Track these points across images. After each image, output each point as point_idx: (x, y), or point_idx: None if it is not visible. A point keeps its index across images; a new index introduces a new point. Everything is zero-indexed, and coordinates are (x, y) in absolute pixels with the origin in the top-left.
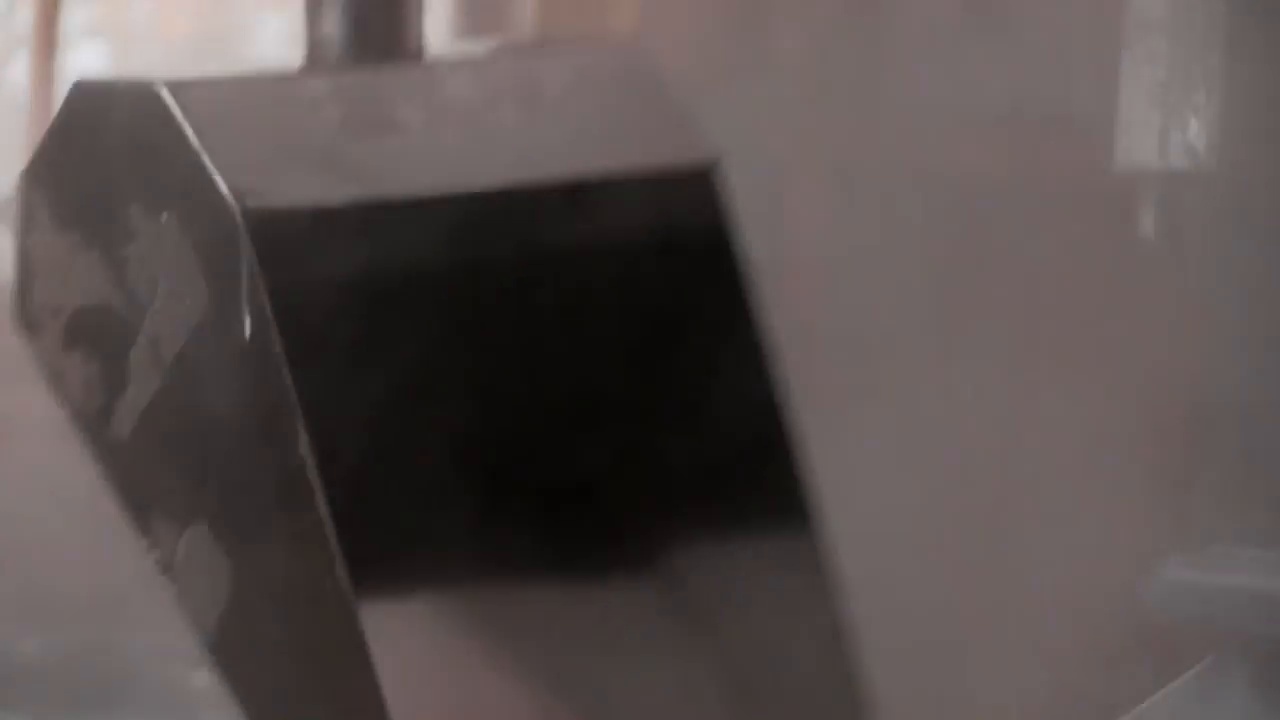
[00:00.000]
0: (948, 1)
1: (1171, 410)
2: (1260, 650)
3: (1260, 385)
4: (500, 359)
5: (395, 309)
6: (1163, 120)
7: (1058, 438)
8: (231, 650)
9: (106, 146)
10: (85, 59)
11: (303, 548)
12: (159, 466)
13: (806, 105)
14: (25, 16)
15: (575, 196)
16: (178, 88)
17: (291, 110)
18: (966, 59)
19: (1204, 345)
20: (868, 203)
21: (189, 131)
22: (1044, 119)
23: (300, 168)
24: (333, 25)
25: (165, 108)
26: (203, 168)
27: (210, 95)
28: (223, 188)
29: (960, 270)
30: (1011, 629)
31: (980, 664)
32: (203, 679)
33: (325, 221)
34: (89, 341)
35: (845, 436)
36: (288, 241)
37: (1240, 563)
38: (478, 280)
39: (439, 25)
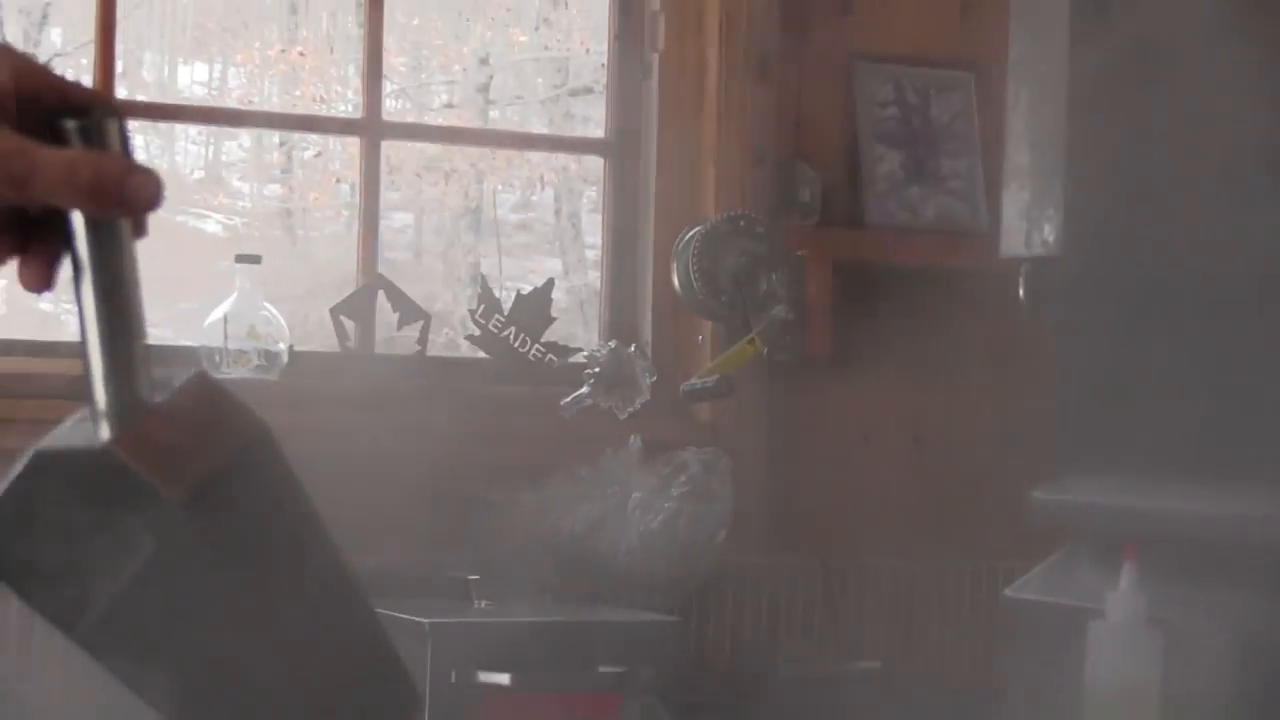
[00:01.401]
0: (899, 165)
1: (1042, 409)
2: (1099, 541)
3: (1101, 386)
4: None
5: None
6: (1027, 226)
7: (980, 425)
8: None
9: None
10: (397, 220)
11: None
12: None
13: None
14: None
15: None
16: None
17: None
18: (912, 198)
19: (1059, 364)
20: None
21: None
22: (955, 227)
23: None
24: None
25: None
26: None
27: None
28: None
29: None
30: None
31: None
32: None
33: None
34: None
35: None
36: None
37: (1090, 487)
38: None
39: None
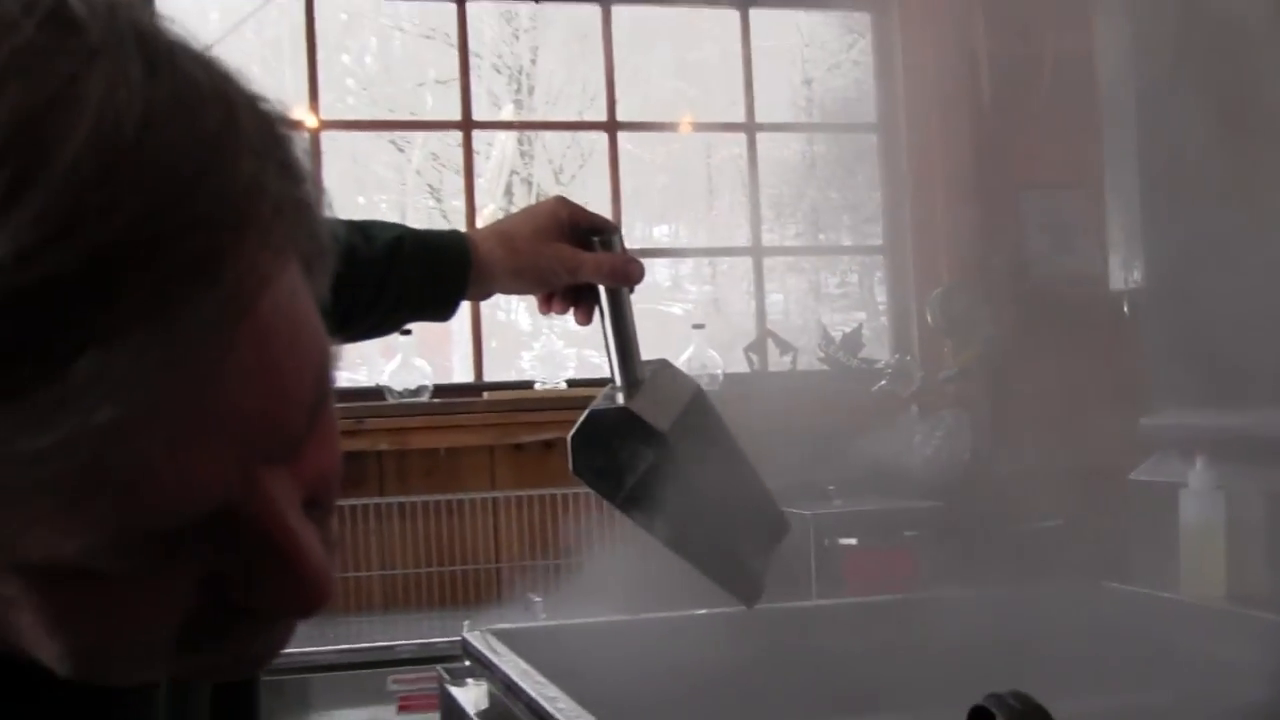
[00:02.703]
0: (1047, 243)
1: (1143, 375)
2: (1183, 445)
3: (1175, 357)
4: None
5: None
6: (1125, 270)
7: (1105, 386)
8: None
9: None
10: (773, 299)
11: None
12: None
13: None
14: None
15: None
16: None
17: None
18: (1057, 261)
19: (1149, 347)
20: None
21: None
22: (1084, 276)
23: None
24: None
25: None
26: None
27: None
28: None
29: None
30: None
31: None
32: None
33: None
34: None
35: None
36: None
37: (1175, 415)
38: None
39: None
